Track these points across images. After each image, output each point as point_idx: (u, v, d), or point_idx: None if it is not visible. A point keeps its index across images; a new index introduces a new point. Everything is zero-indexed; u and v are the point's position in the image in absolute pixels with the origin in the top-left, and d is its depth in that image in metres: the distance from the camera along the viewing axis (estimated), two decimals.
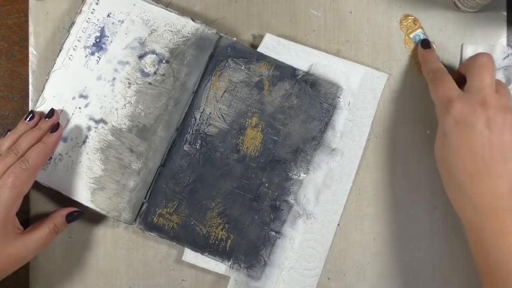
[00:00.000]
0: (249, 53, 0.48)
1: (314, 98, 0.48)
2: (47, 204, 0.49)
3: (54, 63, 0.48)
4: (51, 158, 0.47)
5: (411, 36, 0.48)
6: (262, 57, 0.48)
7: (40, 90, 0.48)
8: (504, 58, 0.49)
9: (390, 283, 0.49)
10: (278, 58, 0.48)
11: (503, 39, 0.49)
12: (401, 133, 0.49)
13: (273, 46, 0.48)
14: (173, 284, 0.49)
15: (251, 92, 0.48)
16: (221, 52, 0.48)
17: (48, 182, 0.47)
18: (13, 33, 0.51)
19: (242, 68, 0.48)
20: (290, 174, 0.48)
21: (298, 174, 0.48)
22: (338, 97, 0.48)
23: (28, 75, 0.50)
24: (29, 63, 0.50)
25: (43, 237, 0.44)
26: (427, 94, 0.49)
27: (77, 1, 0.49)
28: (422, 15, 0.50)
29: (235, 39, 0.48)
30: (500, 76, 0.48)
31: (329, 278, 0.49)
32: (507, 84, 0.48)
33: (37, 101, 0.48)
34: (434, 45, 0.48)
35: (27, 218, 0.49)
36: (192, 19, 0.47)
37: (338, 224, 0.48)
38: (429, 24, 0.50)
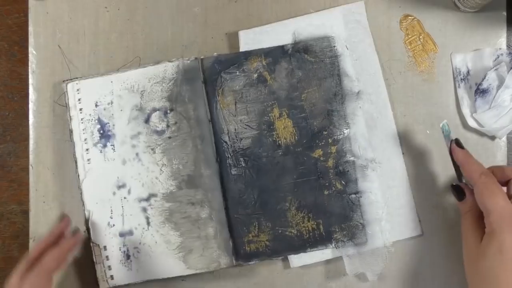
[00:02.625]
0: (235, 58, 0.48)
1: (314, 60, 0.48)
2: (47, 204, 0.49)
3: (78, 176, 0.47)
4: (129, 256, 0.47)
5: (441, 125, 0.44)
6: (249, 54, 0.48)
7: (40, 90, 0.48)
8: (495, 60, 0.48)
9: (390, 283, 0.48)
10: (262, 46, 0.48)
11: (503, 39, 0.49)
12: (400, 133, 0.49)
13: (251, 39, 0.48)
14: (173, 284, 0.49)
15: (258, 89, 0.48)
16: (211, 72, 0.48)
17: (140, 278, 0.47)
18: (13, 33, 0.51)
19: (237, 73, 0.48)
20: (335, 137, 0.48)
21: (342, 132, 0.48)
22: (334, 47, 0.48)
23: (28, 75, 0.50)
24: (29, 63, 0.50)
25: None
26: (427, 94, 0.49)
27: (77, 1, 0.49)
28: (422, 15, 0.49)
29: (215, 54, 0.48)
30: (493, 77, 0.47)
31: (329, 278, 0.49)
32: (500, 84, 0.47)
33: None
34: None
35: (27, 218, 0.49)
36: (168, 60, 0.47)
37: (403, 153, 0.48)
38: (429, 24, 0.49)
